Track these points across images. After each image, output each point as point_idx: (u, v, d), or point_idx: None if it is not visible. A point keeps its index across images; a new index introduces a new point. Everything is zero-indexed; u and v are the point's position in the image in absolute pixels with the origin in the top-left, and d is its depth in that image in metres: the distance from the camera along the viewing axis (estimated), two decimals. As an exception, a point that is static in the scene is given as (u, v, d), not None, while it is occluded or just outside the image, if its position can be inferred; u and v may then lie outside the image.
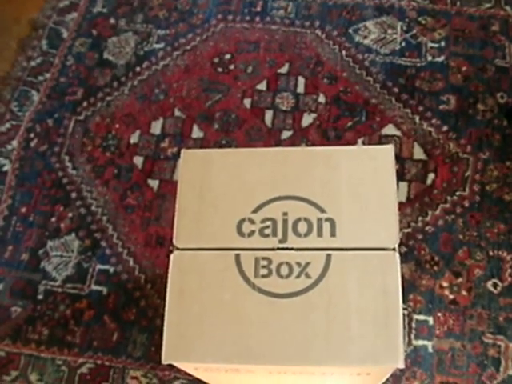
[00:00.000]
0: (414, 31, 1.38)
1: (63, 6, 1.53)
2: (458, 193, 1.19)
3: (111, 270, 1.18)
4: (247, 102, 1.34)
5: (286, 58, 1.39)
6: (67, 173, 1.29)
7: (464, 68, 1.32)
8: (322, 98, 1.32)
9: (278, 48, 1.40)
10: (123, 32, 1.47)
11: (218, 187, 0.69)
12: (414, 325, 1.08)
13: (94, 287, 1.17)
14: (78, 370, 1.10)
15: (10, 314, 1.16)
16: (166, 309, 0.64)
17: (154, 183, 1.26)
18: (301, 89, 1.34)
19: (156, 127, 1.33)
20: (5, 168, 1.31)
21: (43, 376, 1.10)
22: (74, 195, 1.26)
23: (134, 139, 1.32)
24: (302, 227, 0.66)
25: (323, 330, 0.61)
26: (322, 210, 0.66)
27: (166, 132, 1.32)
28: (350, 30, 1.40)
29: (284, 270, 0.64)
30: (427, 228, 1.16)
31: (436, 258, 1.13)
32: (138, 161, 1.29)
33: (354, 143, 1.26)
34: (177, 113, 1.34)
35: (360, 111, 1.30)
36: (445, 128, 1.26)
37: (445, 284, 1.11)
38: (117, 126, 1.34)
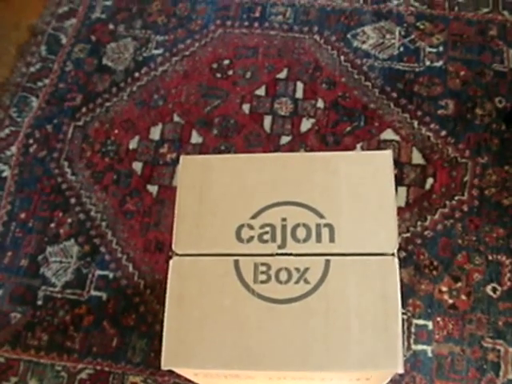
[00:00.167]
0: (412, 36, 1.39)
1: (62, 12, 1.53)
2: (456, 197, 1.19)
3: (110, 275, 1.18)
4: (246, 108, 1.34)
5: (284, 63, 1.39)
6: (66, 178, 1.29)
7: (462, 73, 1.33)
8: (320, 103, 1.32)
9: (276, 53, 1.40)
10: (122, 38, 1.47)
11: (217, 193, 0.69)
12: (413, 329, 1.08)
13: (94, 293, 1.17)
14: (77, 375, 1.10)
15: (10, 319, 1.16)
16: (166, 314, 0.65)
17: (153, 189, 1.26)
18: (299, 94, 1.34)
19: (155, 133, 1.33)
20: (4, 174, 1.31)
21: (43, 382, 1.10)
22: (73, 201, 1.26)
23: (133, 145, 1.32)
24: (301, 233, 0.66)
25: (322, 335, 0.62)
26: (321, 216, 0.67)
27: (164, 137, 1.32)
28: (349, 35, 1.41)
29: (283, 276, 0.64)
30: (426, 233, 1.16)
31: (435, 263, 1.13)
32: (137, 166, 1.29)
33: (352, 148, 1.26)
34: (176, 118, 1.34)
35: (359, 116, 1.30)
36: (443, 133, 1.26)
37: (444, 288, 1.11)
38: (116, 131, 1.34)
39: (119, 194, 1.26)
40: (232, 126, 1.32)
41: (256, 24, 1.45)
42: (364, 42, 1.39)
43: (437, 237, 1.16)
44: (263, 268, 0.65)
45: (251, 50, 1.42)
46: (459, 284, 1.11)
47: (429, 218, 1.17)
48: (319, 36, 1.41)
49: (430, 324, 1.08)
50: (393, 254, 0.64)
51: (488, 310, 1.09)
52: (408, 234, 1.16)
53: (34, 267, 1.20)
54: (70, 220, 1.24)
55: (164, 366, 0.63)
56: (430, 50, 1.36)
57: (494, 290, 1.10)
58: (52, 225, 1.24)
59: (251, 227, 0.67)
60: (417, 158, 1.24)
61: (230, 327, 0.63)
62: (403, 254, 1.14)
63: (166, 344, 0.63)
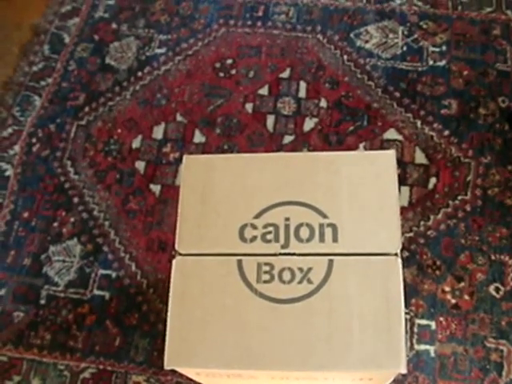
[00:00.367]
0: (416, 35, 1.38)
1: (65, 11, 1.53)
2: (459, 197, 1.19)
3: (113, 274, 1.18)
4: (249, 107, 1.34)
5: (287, 62, 1.39)
6: (69, 178, 1.29)
7: (465, 72, 1.32)
8: (323, 103, 1.32)
9: (279, 53, 1.40)
10: (125, 37, 1.47)
11: (220, 193, 0.69)
12: (416, 329, 1.08)
13: (96, 292, 1.17)
14: (80, 374, 1.10)
15: (13, 318, 1.16)
16: (169, 314, 0.65)
17: (155, 188, 1.26)
18: (302, 93, 1.34)
19: (158, 132, 1.33)
20: (7, 173, 1.31)
21: (45, 381, 1.10)
22: (76, 200, 1.26)
23: (135, 144, 1.32)
24: (304, 233, 0.66)
25: (325, 335, 0.62)
26: (324, 216, 0.67)
27: (167, 137, 1.32)
28: (352, 35, 1.41)
29: (286, 276, 0.64)
30: (429, 232, 1.16)
31: (438, 263, 1.13)
32: (140, 166, 1.29)
33: (355, 148, 1.26)
34: (179, 118, 1.34)
35: (362, 116, 1.30)
36: (446, 132, 1.26)
37: (447, 288, 1.11)
38: (119, 130, 1.34)
39: (122, 193, 1.26)
40: (235, 126, 1.32)
41: (259, 23, 1.45)
42: (367, 42, 1.39)
43: (440, 236, 1.15)
44: (266, 268, 0.65)
45: (254, 49, 1.42)
46: (462, 284, 1.11)
47: (432, 217, 1.17)
48: (322, 35, 1.41)
49: (432, 324, 1.08)
50: (396, 254, 0.64)
51: (491, 309, 1.08)
52: (411, 234, 1.16)
53: (36, 266, 1.20)
54: (72, 219, 1.24)
55: (167, 366, 0.63)
56: (433, 49, 1.36)
57: (497, 289, 1.10)
58: (55, 224, 1.24)
59: (254, 227, 0.67)
60: (420, 157, 1.24)
61: (232, 327, 0.63)
62: (406, 253, 1.14)
63: (168, 344, 0.63)
